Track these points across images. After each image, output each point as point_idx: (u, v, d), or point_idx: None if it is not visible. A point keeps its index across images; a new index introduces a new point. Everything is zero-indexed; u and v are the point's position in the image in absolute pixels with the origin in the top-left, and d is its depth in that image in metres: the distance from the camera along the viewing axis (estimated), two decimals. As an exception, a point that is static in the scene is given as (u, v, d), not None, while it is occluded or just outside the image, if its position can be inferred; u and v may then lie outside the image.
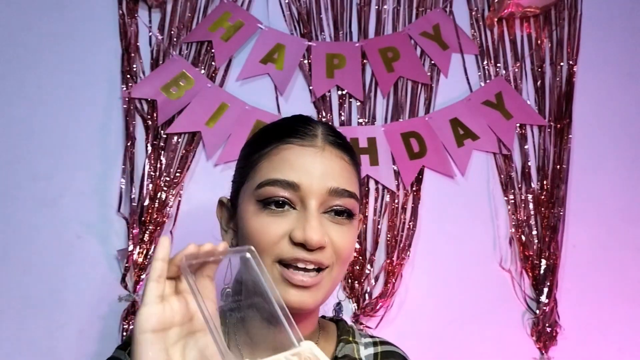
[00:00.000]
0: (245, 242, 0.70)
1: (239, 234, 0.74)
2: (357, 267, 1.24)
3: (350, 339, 0.79)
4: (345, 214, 0.71)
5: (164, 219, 1.21)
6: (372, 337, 0.84)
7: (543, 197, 1.30)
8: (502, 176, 1.31)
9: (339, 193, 0.70)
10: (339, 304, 0.83)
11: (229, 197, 0.79)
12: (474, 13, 1.35)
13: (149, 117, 1.24)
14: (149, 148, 1.22)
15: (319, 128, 0.74)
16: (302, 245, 0.68)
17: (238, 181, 0.76)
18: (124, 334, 1.15)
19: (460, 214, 1.30)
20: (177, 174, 1.23)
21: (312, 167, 0.70)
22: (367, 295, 1.24)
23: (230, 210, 0.77)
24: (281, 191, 0.69)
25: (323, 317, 0.84)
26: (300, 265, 0.68)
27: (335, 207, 0.70)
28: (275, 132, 0.75)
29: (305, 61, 1.29)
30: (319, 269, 0.69)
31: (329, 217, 0.70)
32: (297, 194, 0.69)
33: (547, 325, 1.26)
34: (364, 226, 1.26)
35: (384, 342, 0.83)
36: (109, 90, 1.25)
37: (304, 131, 0.73)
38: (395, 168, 1.27)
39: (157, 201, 1.21)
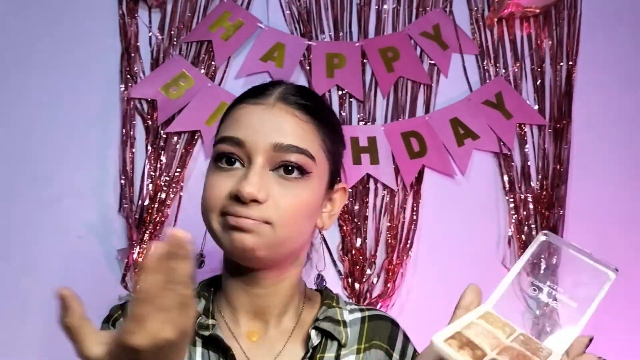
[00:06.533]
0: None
1: None
2: (358, 267, 1.24)
3: (334, 304, 0.78)
4: (294, 170, 0.70)
5: (164, 219, 1.21)
6: (357, 304, 0.83)
7: (543, 197, 1.30)
8: (502, 176, 1.31)
9: (284, 148, 0.69)
10: (319, 275, 0.82)
11: None
12: (473, 13, 1.35)
13: (148, 116, 1.24)
14: (149, 148, 1.23)
15: (278, 88, 0.74)
16: (237, 199, 0.67)
17: None
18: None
19: (460, 213, 1.30)
20: (177, 174, 1.23)
21: (258, 124, 0.70)
22: (367, 295, 1.24)
23: None
24: (228, 147, 0.70)
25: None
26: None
27: (282, 163, 0.69)
28: (239, 96, 0.76)
29: (305, 60, 1.29)
30: (260, 223, 0.68)
31: (276, 174, 0.69)
32: (243, 150, 0.69)
33: (547, 325, 1.26)
34: (364, 216, 1.26)
35: (371, 309, 0.82)
36: (109, 90, 1.25)
37: (260, 91, 0.74)
38: (396, 167, 1.27)
39: (157, 201, 1.21)
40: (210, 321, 0.73)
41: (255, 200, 0.67)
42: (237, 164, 0.70)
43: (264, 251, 0.69)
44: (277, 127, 0.70)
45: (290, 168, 0.69)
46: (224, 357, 0.71)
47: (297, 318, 0.77)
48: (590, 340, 0.54)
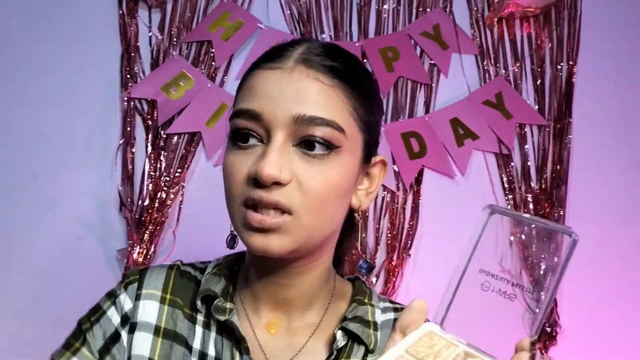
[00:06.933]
0: None
1: None
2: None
3: (366, 300, 0.70)
4: (320, 146, 0.59)
5: (164, 219, 1.21)
6: (392, 302, 0.74)
7: (543, 197, 1.30)
8: (502, 176, 1.31)
9: (307, 120, 0.58)
10: (365, 260, 0.71)
11: None
12: (473, 13, 1.34)
13: (149, 117, 1.24)
14: (149, 148, 1.23)
15: (299, 48, 0.62)
16: (258, 182, 0.58)
17: None
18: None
19: (460, 213, 1.30)
20: (177, 174, 1.23)
21: (275, 92, 0.59)
22: (367, 295, 1.24)
23: None
24: (243, 122, 0.60)
25: (342, 276, 0.76)
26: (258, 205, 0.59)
27: (305, 138, 0.59)
28: (256, 60, 0.65)
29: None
30: (282, 212, 0.59)
31: (299, 151, 0.60)
32: (260, 124, 0.60)
33: (547, 325, 1.26)
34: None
35: None
36: (109, 90, 1.25)
37: (278, 52, 0.63)
38: (396, 168, 1.27)
39: (157, 201, 1.21)
40: (228, 305, 0.66)
41: (278, 182, 0.58)
42: (253, 140, 0.60)
43: (290, 247, 0.60)
44: (297, 95, 0.59)
45: (311, 142, 0.59)
46: (237, 348, 0.65)
47: (324, 312, 0.69)
48: (533, 342, 0.43)
